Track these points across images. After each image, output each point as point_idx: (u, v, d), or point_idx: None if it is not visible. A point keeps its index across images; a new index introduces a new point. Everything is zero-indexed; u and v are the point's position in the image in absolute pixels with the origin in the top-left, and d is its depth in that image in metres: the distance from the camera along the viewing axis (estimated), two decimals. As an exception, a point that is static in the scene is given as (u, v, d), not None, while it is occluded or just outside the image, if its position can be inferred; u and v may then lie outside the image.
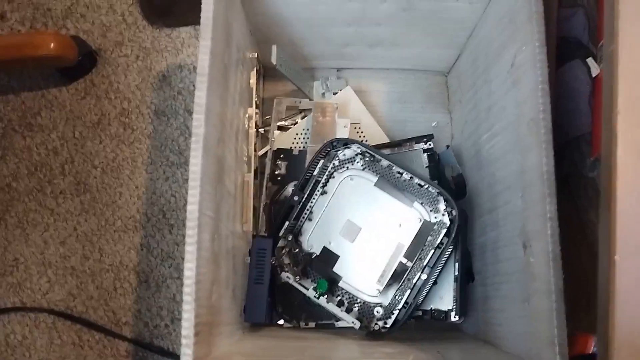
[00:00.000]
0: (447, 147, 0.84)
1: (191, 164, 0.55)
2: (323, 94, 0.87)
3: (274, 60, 0.75)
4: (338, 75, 0.89)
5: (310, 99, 0.86)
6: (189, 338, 0.51)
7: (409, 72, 0.90)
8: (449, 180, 0.80)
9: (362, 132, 0.84)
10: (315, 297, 0.73)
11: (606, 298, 0.38)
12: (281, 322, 0.77)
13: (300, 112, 0.85)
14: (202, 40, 0.57)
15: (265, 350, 0.65)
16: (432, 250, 0.70)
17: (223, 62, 0.63)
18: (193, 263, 0.53)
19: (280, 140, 0.83)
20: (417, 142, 0.81)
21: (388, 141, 0.83)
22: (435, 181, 0.79)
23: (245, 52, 0.76)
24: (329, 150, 0.75)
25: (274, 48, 0.75)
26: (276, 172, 0.82)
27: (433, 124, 0.88)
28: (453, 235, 0.69)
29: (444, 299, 0.73)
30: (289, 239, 0.75)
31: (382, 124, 0.86)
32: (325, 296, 0.72)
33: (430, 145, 0.81)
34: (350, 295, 0.73)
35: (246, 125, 0.78)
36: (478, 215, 0.76)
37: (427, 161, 0.81)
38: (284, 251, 0.74)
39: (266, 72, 0.88)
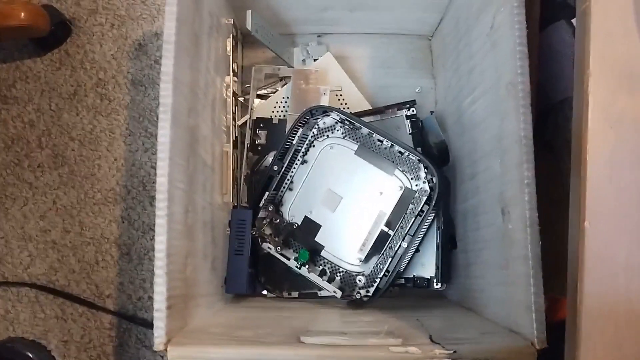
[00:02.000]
0: (431, 113, 0.83)
1: (159, 135, 0.53)
2: (303, 60, 0.84)
3: (249, 26, 0.73)
4: (319, 41, 0.86)
5: (290, 66, 0.84)
6: (161, 312, 0.51)
7: (392, 37, 0.87)
8: (432, 146, 0.79)
9: (343, 99, 0.83)
10: (296, 267, 0.72)
11: (575, 264, 0.37)
12: (264, 292, 0.77)
13: (280, 80, 0.83)
14: (168, 6, 0.55)
15: (243, 320, 0.65)
16: (413, 218, 0.69)
17: (193, 29, 0.61)
18: (164, 236, 0.52)
19: (260, 109, 0.82)
20: (399, 109, 0.80)
21: (370, 108, 0.81)
22: (419, 149, 0.78)
23: (219, 18, 0.74)
24: (307, 119, 0.73)
25: (249, 13, 0.73)
26: (256, 142, 0.80)
27: (417, 90, 0.86)
28: (434, 203, 0.68)
29: (427, 267, 0.73)
30: (270, 210, 0.74)
31: (364, 91, 0.84)
32: (307, 266, 0.72)
33: (413, 111, 0.79)
34: (333, 265, 0.72)
35: (224, 95, 0.77)
36: (460, 182, 0.75)
37: (410, 128, 0.79)
38: (264, 222, 0.73)
39: (245, 39, 0.86)
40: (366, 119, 0.79)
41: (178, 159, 0.56)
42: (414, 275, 0.73)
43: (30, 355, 0.73)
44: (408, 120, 0.79)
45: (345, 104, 0.83)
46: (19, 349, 0.73)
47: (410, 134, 0.79)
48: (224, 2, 0.76)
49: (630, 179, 0.38)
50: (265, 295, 0.77)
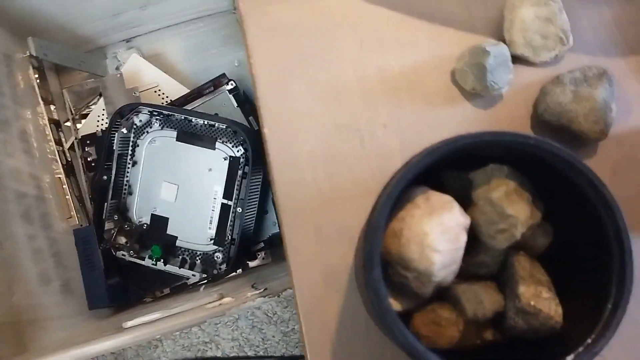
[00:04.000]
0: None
1: None
2: (117, 68, 0.85)
3: (34, 53, 0.73)
4: (128, 46, 0.87)
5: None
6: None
7: (197, 21, 0.88)
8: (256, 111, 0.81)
9: (162, 92, 0.84)
10: (152, 264, 0.73)
11: (270, 170, 0.39)
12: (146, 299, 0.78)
13: (100, 95, 0.84)
14: None
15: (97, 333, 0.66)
16: (243, 182, 0.71)
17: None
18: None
19: (87, 126, 0.82)
20: (215, 86, 0.81)
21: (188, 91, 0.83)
22: (250, 117, 0.79)
23: (12, 53, 0.74)
24: (119, 121, 0.74)
25: (30, 40, 0.73)
26: (88, 159, 0.81)
27: (235, 64, 0.88)
28: (251, 161, 0.70)
29: (277, 224, 0.75)
30: (116, 219, 0.74)
31: (186, 79, 0.86)
32: (162, 260, 0.73)
33: (232, 85, 0.81)
34: (190, 251, 0.73)
35: (40, 124, 0.77)
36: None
37: (234, 101, 0.81)
38: (113, 232, 0.74)
39: (58, 66, 0.86)
40: (191, 105, 0.81)
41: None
42: (269, 235, 0.75)
43: None
44: (231, 95, 0.81)
45: (167, 97, 0.84)
46: None
47: (237, 106, 0.81)
48: (10, 38, 0.76)
49: (297, 81, 0.41)
50: (145, 302, 0.78)
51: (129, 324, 0.53)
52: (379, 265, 0.29)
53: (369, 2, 0.42)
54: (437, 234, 0.30)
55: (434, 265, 0.30)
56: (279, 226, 0.40)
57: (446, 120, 0.41)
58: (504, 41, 0.42)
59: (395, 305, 0.33)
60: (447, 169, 0.35)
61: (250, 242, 0.74)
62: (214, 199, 0.73)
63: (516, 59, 0.42)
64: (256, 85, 0.42)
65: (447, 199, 0.31)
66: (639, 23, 0.43)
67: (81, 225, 0.78)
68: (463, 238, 0.31)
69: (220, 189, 0.72)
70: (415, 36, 0.42)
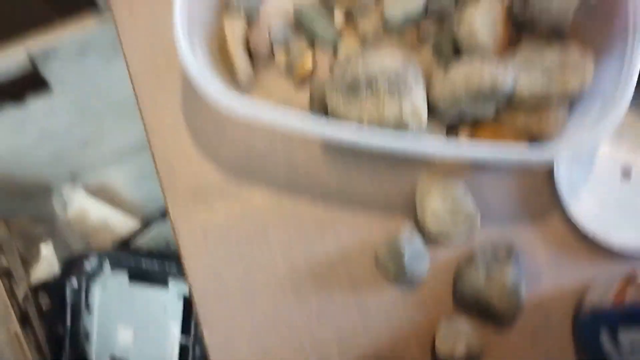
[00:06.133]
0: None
1: None
2: (64, 207, 0.86)
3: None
4: (74, 182, 0.88)
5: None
6: None
7: (142, 150, 0.90)
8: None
9: (112, 229, 0.85)
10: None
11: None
12: None
13: (49, 237, 0.84)
14: None
15: None
16: (199, 322, 0.72)
17: None
18: None
19: (39, 272, 0.82)
20: (164, 215, 0.82)
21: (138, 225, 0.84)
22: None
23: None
24: (70, 270, 0.75)
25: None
26: (44, 309, 0.81)
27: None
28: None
29: None
30: (76, 369, 0.75)
31: (136, 208, 0.86)
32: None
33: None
34: (154, 393, 0.74)
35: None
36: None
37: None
38: (75, 382, 0.74)
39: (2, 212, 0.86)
40: (141, 237, 0.82)
41: None
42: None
43: None
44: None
45: (117, 232, 0.84)
46: None
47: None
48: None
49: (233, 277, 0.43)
50: None
51: None
52: None
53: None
54: None
55: None
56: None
57: (375, 306, 0.44)
58: (418, 222, 0.45)
59: None
60: None
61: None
62: (171, 340, 0.73)
63: (431, 240, 0.45)
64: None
65: None
66: (538, 192, 0.46)
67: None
68: None
69: (176, 329, 0.73)
70: (334, 221, 0.45)
